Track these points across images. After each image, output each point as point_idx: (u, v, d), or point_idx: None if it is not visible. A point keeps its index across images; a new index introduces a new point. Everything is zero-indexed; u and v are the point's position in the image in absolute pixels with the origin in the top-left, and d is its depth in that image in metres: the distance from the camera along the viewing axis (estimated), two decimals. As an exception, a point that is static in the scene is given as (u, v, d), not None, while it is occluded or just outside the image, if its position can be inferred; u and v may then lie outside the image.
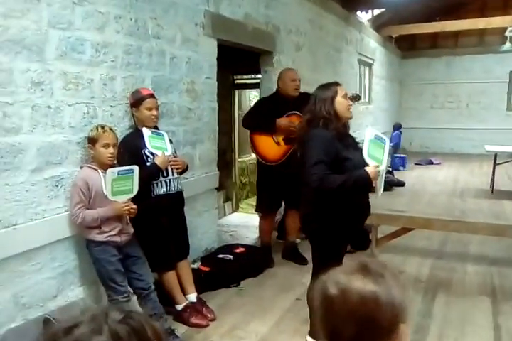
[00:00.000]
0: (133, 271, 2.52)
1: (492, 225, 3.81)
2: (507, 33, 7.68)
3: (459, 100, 11.68)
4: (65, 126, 2.39)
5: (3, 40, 2.05)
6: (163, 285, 2.84)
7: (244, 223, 5.27)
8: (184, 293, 2.94)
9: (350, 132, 2.57)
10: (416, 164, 9.68)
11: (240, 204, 6.20)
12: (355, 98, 2.59)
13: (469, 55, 11.26)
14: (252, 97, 6.99)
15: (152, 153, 2.69)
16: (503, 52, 9.17)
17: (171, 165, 2.77)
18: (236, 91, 6.14)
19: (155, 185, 2.72)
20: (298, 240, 4.10)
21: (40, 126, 2.25)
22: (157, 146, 2.70)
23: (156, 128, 2.80)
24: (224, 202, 5.69)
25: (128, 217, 2.47)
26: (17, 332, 2.11)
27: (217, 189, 4.06)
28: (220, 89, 3.88)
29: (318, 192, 2.33)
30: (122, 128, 2.77)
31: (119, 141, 2.55)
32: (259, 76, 4.95)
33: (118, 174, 2.31)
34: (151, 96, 2.76)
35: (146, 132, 2.69)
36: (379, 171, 2.28)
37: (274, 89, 4.08)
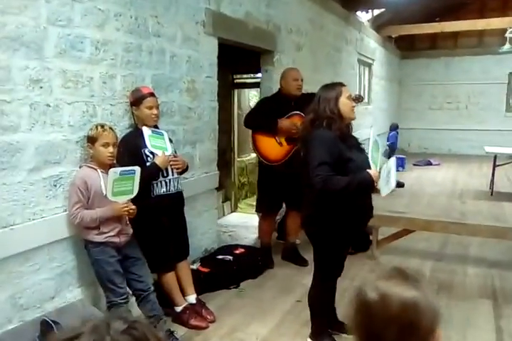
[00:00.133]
0: (132, 272, 2.48)
1: (493, 227, 3.80)
2: (507, 34, 7.66)
3: (458, 101, 11.67)
4: (64, 124, 2.35)
5: (1, 36, 2.01)
6: (162, 286, 2.81)
7: (243, 223, 5.24)
8: (183, 294, 2.91)
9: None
10: (415, 165, 9.67)
11: (239, 204, 6.18)
12: (358, 99, 2.58)
13: (468, 56, 11.25)
14: (251, 97, 6.96)
15: (152, 153, 2.66)
16: (502, 54, 9.15)
17: (171, 165, 2.73)
18: (236, 91, 6.11)
19: (155, 185, 2.69)
20: (298, 241, 4.08)
21: (39, 125, 2.21)
22: (157, 146, 2.67)
23: (156, 127, 2.77)
24: (223, 202, 5.66)
25: (127, 217, 2.43)
26: (14, 334, 2.08)
27: (217, 189, 4.03)
28: (219, 88, 3.85)
29: (321, 194, 2.30)
30: (122, 127, 2.74)
31: (118, 140, 2.51)
32: (259, 75, 4.92)
33: (120, 174, 2.28)
34: (152, 94, 2.73)
35: (146, 131, 2.65)
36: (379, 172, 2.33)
37: (274, 89, 4.05)
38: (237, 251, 3.74)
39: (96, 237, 2.34)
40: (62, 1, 2.29)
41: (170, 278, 2.83)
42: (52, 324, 2.10)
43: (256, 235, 4.44)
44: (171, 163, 2.73)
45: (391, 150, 8.58)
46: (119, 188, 2.30)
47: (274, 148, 3.71)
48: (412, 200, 6.46)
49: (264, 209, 4.01)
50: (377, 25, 8.98)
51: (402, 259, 4.02)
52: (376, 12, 8.68)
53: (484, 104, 11.36)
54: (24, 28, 2.11)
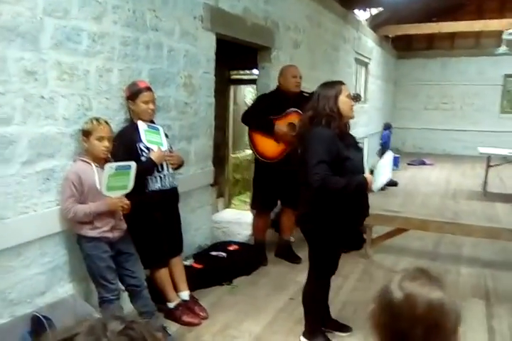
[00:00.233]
0: (125, 267, 2.46)
1: (487, 228, 3.82)
2: (504, 36, 7.68)
3: (453, 101, 11.72)
4: (58, 117, 2.32)
5: (-3, 26, 1.98)
6: (155, 282, 2.79)
7: (237, 220, 5.23)
8: (176, 290, 2.89)
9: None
10: (409, 164, 9.71)
11: (233, 201, 6.17)
12: (357, 98, 2.59)
13: (465, 57, 11.29)
14: (247, 93, 6.94)
15: (147, 148, 2.63)
16: (498, 55, 9.21)
17: (166, 161, 2.71)
18: (232, 87, 6.08)
19: (149, 180, 2.66)
20: (292, 239, 4.07)
21: (33, 117, 2.18)
22: (153, 141, 2.64)
23: (152, 122, 2.74)
24: (216, 198, 5.65)
25: (121, 212, 2.41)
26: (4, 329, 2.05)
27: (211, 185, 4.01)
28: (216, 84, 3.83)
29: (318, 192, 2.29)
30: (118, 121, 2.70)
31: (114, 134, 2.48)
32: (255, 72, 4.89)
33: (116, 169, 2.25)
34: (148, 89, 2.70)
35: (142, 126, 2.63)
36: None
37: (271, 86, 4.03)
38: (231, 248, 3.73)
39: (89, 232, 2.31)
40: (59, -8, 2.25)
41: (163, 274, 2.81)
42: (43, 319, 2.08)
43: (249, 232, 4.42)
44: (167, 158, 2.70)
45: (384, 149, 8.61)
46: (114, 183, 2.27)
47: (271, 145, 3.69)
48: (406, 200, 6.49)
49: (259, 207, 3.99)
50: (375, 24, 8.97)
51: (396, 258, 4.03)
52: (374, 11, 8.67)
53: (479, 105, 11.42)
54: (20, 18, 2.07)
